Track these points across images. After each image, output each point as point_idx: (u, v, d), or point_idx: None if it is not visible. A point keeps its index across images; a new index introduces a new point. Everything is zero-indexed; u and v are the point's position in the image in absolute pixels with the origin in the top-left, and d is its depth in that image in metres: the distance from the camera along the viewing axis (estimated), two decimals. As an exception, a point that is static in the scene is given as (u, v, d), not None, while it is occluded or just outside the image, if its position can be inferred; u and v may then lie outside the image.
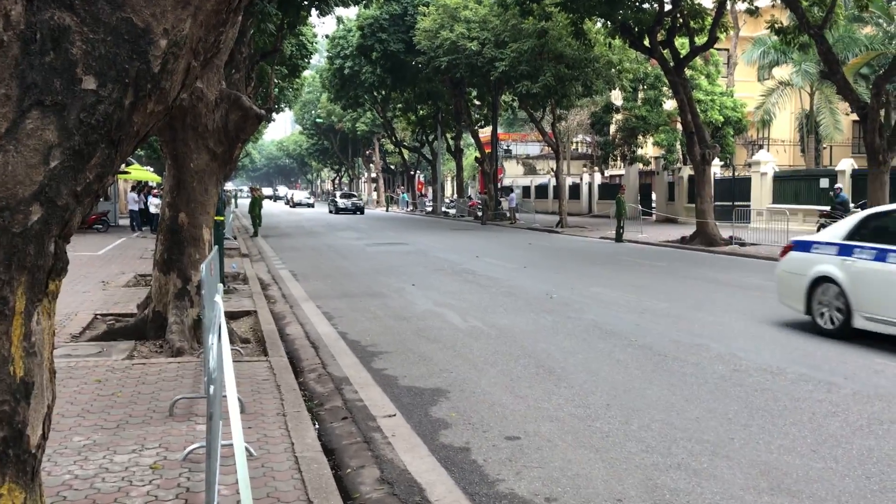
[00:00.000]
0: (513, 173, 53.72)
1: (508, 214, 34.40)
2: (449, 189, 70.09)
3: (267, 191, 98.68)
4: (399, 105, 44.41)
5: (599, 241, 22.90)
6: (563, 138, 44.62)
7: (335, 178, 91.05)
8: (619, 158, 34.40)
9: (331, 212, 45.02)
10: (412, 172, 55.21)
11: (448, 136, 43.80)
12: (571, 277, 13.37)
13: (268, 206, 58.03)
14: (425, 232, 27.37)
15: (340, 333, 8.48)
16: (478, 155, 39.05)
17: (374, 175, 69.78)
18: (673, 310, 9.79)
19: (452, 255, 17.75)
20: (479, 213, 36.90)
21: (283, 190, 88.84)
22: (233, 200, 53.00)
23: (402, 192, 57.03)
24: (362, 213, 43.62)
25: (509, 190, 36.49)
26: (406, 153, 57.22)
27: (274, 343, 7.57)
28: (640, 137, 32.37)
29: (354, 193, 52.87)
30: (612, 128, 34.16)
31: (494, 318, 9.31)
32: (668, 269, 15.05)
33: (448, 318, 9.36)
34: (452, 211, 43.40)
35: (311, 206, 60.80)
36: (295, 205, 60.79)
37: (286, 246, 21.08)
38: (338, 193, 49.43)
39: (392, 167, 70.26)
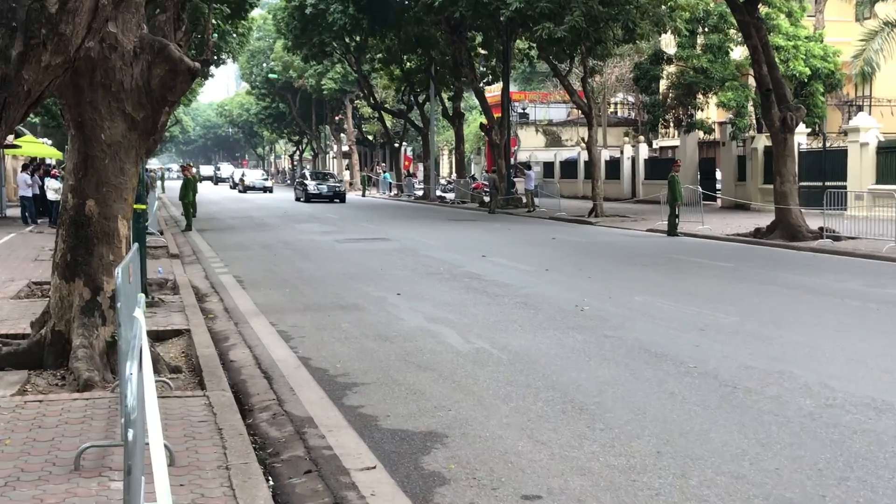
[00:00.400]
0: (531, 145, 53.84)
1: (525, 200, 34.47)
2: (445, 166, 70.26)
3: (206, 170, 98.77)
4: (379, 55, 44.48)
5: (646, 235, 22.93)
6: (597, 98, 44.73)
7: (294, 152, 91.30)
8: (671, 125, 34.46)
9: (299, 199, 44.04)
10: (396, 144, 55.29)
11: (444, 96, 43.85)
12: (609, 283, 13.39)
13: (205, 191, 57.98)
14: (414, 223, 27.39)
15: (302, 359, 8.48)
16: (484, 121, 39.16)
17: (346, 148, 69.90)
18: (744, 325, 9.81)
19: (451, 255, 17.75)
20: (486, 199, 37.00)
21: (226, 169, 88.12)
22: (158, 183, 53.22)
23: (384, 171, 57.16)
24: (343, 200, 42.58)
25: (526, 167, 36.50)
26: (388, 119, 57.24)
27: (213, 372, 7.59)
28: (700, 97, 32.44)
29: (332, 174, 52.08)
30: (663, 84, 34.22)
31: (506, 337, 9.32)
32: (737, 271, 15.06)
33: (445, 337, 9.37)
34: (450, 195, 43.51)
35: (268, 190, 59.19)
36: (246, 188, 59.46)
37: (230, 243, 21.08)
38: (308, 173, 48.68)
39: (370, 138, 70.32)
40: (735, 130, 31.81)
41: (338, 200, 42.29)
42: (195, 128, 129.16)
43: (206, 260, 17.44)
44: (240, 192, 58.99)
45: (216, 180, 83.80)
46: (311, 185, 43.45)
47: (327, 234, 23.10)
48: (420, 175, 55.25)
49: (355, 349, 8.87)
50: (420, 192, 47.59)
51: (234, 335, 9.71)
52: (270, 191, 58.73)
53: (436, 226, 26.49)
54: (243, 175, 63.56)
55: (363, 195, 51.84)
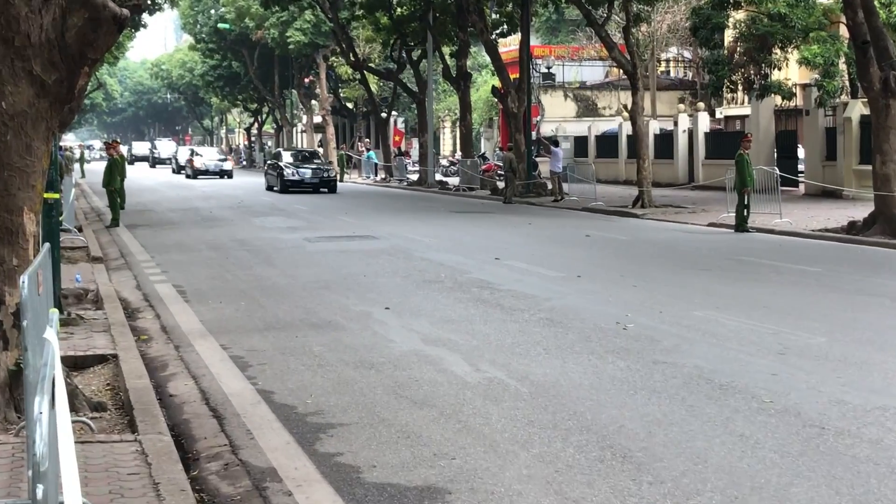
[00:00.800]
0: (558, 114, 53.91)
1: (550, 185, 34.44)
2: (448, 143, 70.30)
3: (139, 148, 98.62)
4: (361, -1, 44.54)
5: (707, 232, 22.92)
6: (643, 54, 44.72)
7: (251, 125, 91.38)
8: (739, 88, 34.42)
9: (272, 188, 42.16)
10: (384, 115, 55.33)
11: (446, 51, 43.87)
12: (659, 294, 13.37)
13: (138, 175, 57.91)
14: (407, 216, 27.38)
15: (262, 393, 8.49)
16: (497, 84, 39.11)
17: (318, 119, 69.88)
18: (834, 349, 9.80)
19: (454, 257, 17.73)
20: (500, 184, 36.96)
21: (166, 147, 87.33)
22: (76, 166, 53.09)
23: (368, 149, 57.20)
24: (333, 190, 40.53)
25: (553, 143, 36.45)
26: (374, 82, 57.31)
27: (148, 410, 7.58)
28: (777, 52, 32.41)
29: (316, 152, 49.96)
30: (728, 35, 34.23)
31: (527, 364, 9.32)
32: (825, 277, 15.04)
33: (447, 364, 9.37)
34: (454, 180, 43.51)
35: (227, 174, 56.92)
36: (196, 173, 57.35)
37: (169, 242, 21.10)
38: (284, 152, 46.54)
39: (349, 106, 70.38)
40: (822, 95, 31.76)
41: (325, 190, 40.32)
42: (123, 93, 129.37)
43: (137, 265, 17.44)
44: (187, 177, 57.24)
45: (153, 161, 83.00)
46: (289, 170, 41.18)
47: (295, 231, 23.11)
48: (414, 154, 55.33)
49: (331, 380, 8.87)
50: (415, 176, 47.61)
51: (175, 362, 9.71)
52: (230, 175, 56.66)
53: (435, 219, 26.48)
54: (192, 155, 60.58)
55: (341, 180, 51.81)
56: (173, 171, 65.56)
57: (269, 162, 46.70)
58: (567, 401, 8.03)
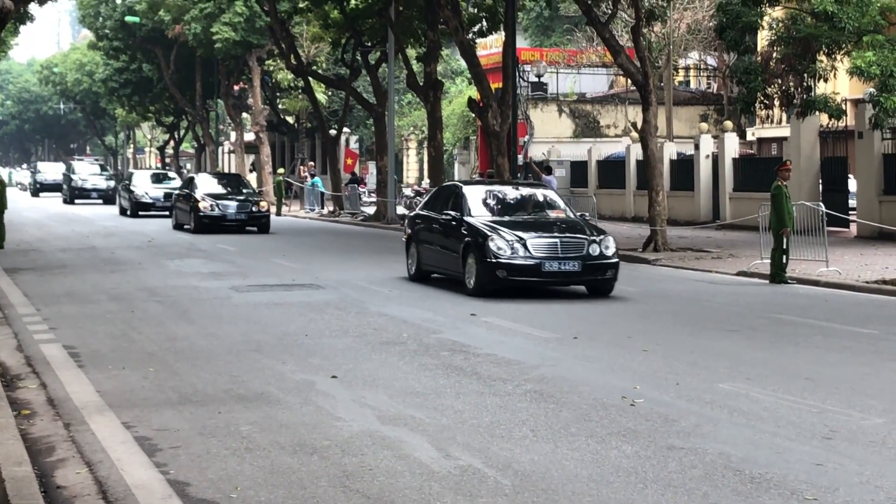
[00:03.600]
0: (550, 133, 54.18)
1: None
2: (413, 167, 70.41)
3: (23, 174, 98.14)
4: (306, -13, 44.79)
5: (736, 283, 23.00)
6: (657, 61, 45.02)
7: (166, 142, 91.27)
8: (775, 104, 34.68)
9: (182, 226, 40.86)
10: (334, 132, 55.48)
11: (412, 54, 44.08)
12: (676, 360, 13.39)
13: (21, 205, 57.52)
14: (360, 260, 27.35)
15: (175, 484, 8.41)
16: (475, 95, 39.22)
17: (250, 136, 69.91)
18: (895, 433, 9.83)
19: (419, 312, 17.73)
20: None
21: (51, 170, 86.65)
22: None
23: (312, 175, 57.22)
24: (265, 229, 39.24)
25: (545, 170, 36.57)
26: (321, 91, 57.45)
27: (29, 507, 7.49)
28: (823, 59, 32.69)
29: (243, 179, 48.52)
30: (762, 38, 34.51)
31: (510, 448, 9.29)
32: (882, 342, 15.09)
33: (410, 448, 9.32)
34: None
35: (106, 197, 60.93)
36: (74, 195, 61.16)
37: (58, 291, 20.99)
38: (198, 178, 44.87)
39: (290, 120, 70.52)
40: (879, 113, 31.96)
41: (256, 229, 39.32)
42: (5, 102, 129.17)
43: (18, 319, 17.27)
44: (66, 202, 59.99)
45: (36, 189, 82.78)
46: (206, 203, 39.58)
47: (219, 278, 23.04)
48: (371, 181, 55.41)
49: (262, 468, 8.79)
50: (371, 210, 47.65)
51: (65, 444, 9.59)
52: (112, 200, 59.00)
53: (396, 263, 26.40)
54: (71, 171, 64.51)
55: (278, 213, 51.85)
56: (65, 202, 65.95)
57: (177, 194, 44.27)
58: (560, 497, 7.99)
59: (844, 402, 10.95)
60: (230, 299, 19.57)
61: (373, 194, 50.45)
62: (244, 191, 42.69)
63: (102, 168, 75.13)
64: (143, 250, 31.05)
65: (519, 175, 37.75)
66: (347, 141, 63.92)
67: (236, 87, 69.45)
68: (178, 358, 13.74)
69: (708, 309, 18.73)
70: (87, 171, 67.16)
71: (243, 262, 26.72)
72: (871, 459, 8.92)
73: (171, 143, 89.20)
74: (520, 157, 40.72)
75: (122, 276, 23.74)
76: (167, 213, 43.09)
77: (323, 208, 53.08)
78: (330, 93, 61.92)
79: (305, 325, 16.26)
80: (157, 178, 51.39)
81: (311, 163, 62.73)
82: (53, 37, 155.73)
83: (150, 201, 46.38)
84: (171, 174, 59.67)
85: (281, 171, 58.96)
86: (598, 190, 45.66)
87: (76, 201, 62.88)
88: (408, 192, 57.96)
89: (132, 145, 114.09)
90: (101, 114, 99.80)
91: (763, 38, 35.09)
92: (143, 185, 49.21)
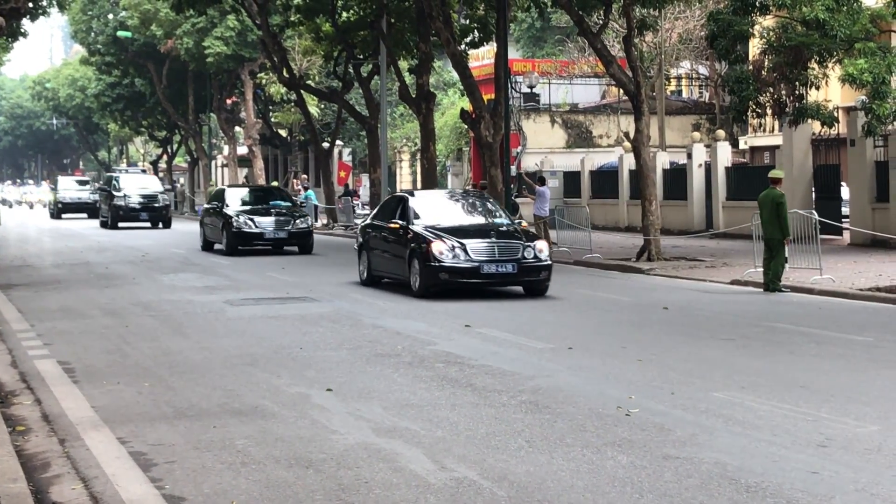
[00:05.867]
0: (543, 143, 54.27)
1: (535, 233, 34.47)
2: (406, 179, 70.42)
3: (13, 191, 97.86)
4: (298, 1, 44.68)
5: (730, 291, 22.99)
6: (649, 70, 45.07)
7: (159, 157, 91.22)
8: (767, 112, 34.70)
9: (212, 246, 36.68)
10: (327, 145, 55.53)
11: (404, 66, 44.09)
12: (671, 370, 13.38)
13: (16, 221, 57.38)
14: (354, 273, 27.35)
15: (170, 499, 8.41)
16: (467, 106, 39.23)
17: (243, 149, 69.93)
18: (890, 440, 9.83)
19: (414, 324, 17.72)
20: (473, 232, 36.86)
21: (69, 185, 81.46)
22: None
23: (305, 188, 57.23)
24: (309, 249, 35.29)
25: (538, 181, 36.56)
26: (314, 104, 57.45)
27: (24, 523, 7.49)
28: (814, 67, 32.74)
29: (282, 190, 45.27)
30: (754, 47, 34.55)
31: (505, 460, 9.28)
32: (877, 349, 15.08)
33: (404, 460, 9.32)
34: (414, 226, 43.29)
35: (89, 210, 59.05)
36: (59, 210, 59.45)
37: (52, 307, 20.95)
38: (229, 191, 39.13)
39: (283, 134, 70.51)
40: (871, 121, 32.02)
41: (297, 249, 35.42)
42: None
43: (12, 335, 17.25)
44: (52, 216, 59.29)
45: (57, 209, 79.05)
46: (241, 220, 34.81)
47: (213, 292, 23.01)
48: (365, 194, 55.35)
49: (258, 482, 8.78)
50: (364, 221, 47.52)
51: (60, 460, 9.58)
52: (94, 213, 58.17)
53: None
54: (55, 186, 63.16)
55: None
56: (51, 216, 66.30)
57: (205, 208, 39.35)
58: (556, 507, 7.99)
59: (839, 410, 10.95)
60: (224, 313, 19.56)
61: (366, 207, 50.36)
62: (283, 204, 37.63)
63: (87, 181, 74.60)
64: (134, 262, 30.87)
65: (512, 186, 37.75)
66: (340, 153, 63.86)
67: (229, 101, 69.42)
68: (173, 372, 13.73)
69: (702, 318, 18.72)
70: (136, 185, 55.47)
71: (237, 276, 26.71)
72: (866, 467, 8.92)
73: (164, 157, 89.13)
74: (513, 168, 40.73)
75: (117, 290, 23.65)
76: (271, 247, 35.52)
77: (316, 221, 53.00)
78: (322, 105, 61.86)
79: (300, 339, 16.25)
80: (263, 199, 38.09)
81: (305, 176, 62.81)
82: (46, 52, 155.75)
83: (258, 231, 34.64)
84: (284, 191, 46.66)
85: (274, 184, 58.90)
86: (592, 200, 45.64)
87: (120, 224, 52.11)
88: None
89: (125, 160, 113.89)
90: (94, 129, 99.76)
91: (754, 46, 35.11)
92: (242, 212, 35.28)
